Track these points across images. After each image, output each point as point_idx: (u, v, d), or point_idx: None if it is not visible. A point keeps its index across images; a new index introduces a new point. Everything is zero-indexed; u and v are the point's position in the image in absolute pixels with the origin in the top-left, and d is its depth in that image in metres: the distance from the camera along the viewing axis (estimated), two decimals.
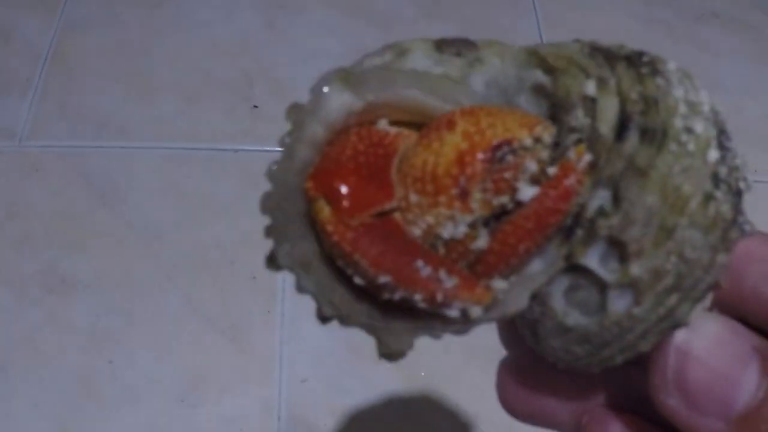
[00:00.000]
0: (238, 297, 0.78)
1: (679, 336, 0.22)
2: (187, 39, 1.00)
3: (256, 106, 0.93)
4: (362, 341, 0.25)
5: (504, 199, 0.23)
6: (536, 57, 0.25)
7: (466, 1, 1.08)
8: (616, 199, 0.22)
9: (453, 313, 0.22)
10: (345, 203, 0.23)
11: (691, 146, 0.22)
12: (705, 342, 0.22)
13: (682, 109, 0.22)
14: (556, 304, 0.23)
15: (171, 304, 0.78)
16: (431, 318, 0.23)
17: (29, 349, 0.74)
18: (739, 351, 0.22)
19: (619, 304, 0.22)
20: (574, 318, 0.23)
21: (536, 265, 0.23)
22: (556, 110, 0.24)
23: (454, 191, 0.23)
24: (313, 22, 1.04)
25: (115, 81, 0.95)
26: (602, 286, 0.22)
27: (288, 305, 0.77)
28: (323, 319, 0.23)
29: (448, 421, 0.71)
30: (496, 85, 0.26)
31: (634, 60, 0.24)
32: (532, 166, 0.23)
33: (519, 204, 0.23)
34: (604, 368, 0.24)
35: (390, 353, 0.23)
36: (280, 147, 0.24)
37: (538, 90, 0.25)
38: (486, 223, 0.23)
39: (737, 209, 0.23)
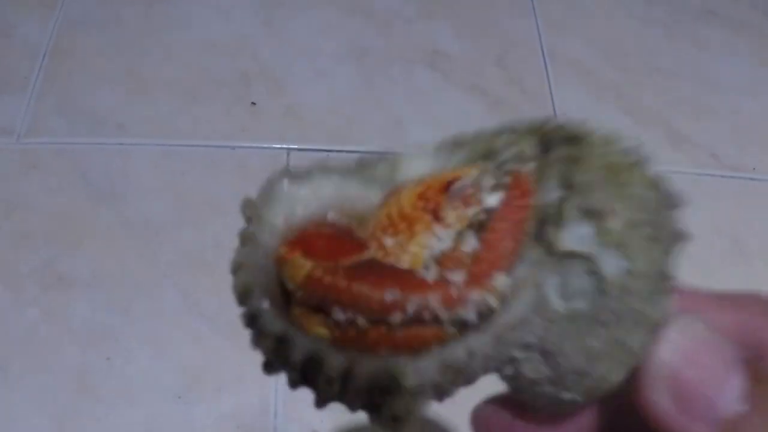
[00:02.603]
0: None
1: (671, 331, 0.23)
2: (185, 37, 1.00)
3: (254, 103, 0.93)
4: None
5: (475, 210, 0.24)
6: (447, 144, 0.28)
7: (464, 1, 1.08)
8: (568, 186, 0.23)
9: (470, 315, 0.22)
10: (324, 254, 0.23)
11: (605, 144, 0.25)
12: (693, 338, 0.22)
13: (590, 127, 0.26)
14: (556, 305, 0.24)
15: (168, 301, 0.78)
16: (440, 344, 0.23)
17: (27, 346, 0.74)
18: (724, 353, 0.22)
19: (612, 265, 0.23)
20: (577, 305, 0.23)
21: (523, 270, 0.24)
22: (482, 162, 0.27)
23: (427, 217, 0.24)
24: (311, 20, 1.04)
25: (113, 78, 0.95)
26: (590, 262, 0.23)
27: None
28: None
29: (444, 419, 0.71)
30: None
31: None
32: (488, 182, 0.25)
33: (491, 212, 0.24)
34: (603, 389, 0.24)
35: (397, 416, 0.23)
36: (240, 239, 0.25)
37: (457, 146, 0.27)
38: (474, 231, 0.25)
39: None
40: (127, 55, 0.98)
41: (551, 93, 0.98)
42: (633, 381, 0.23)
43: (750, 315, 0.25)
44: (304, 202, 0.26)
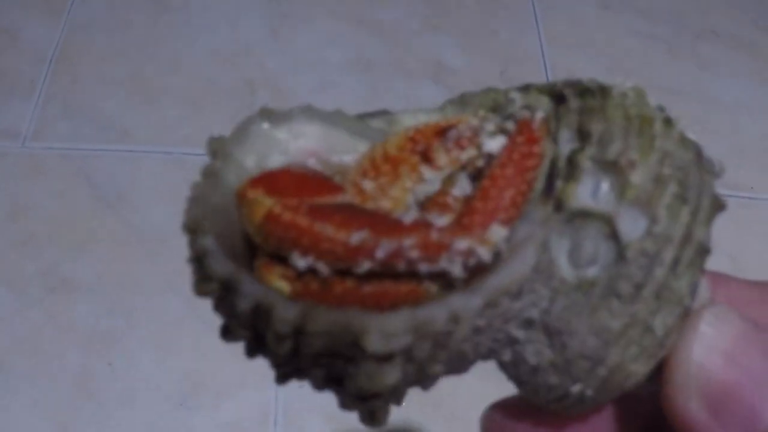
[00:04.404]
0: None
1: (704, 324, 0.19)
2: (191, 45, 1.01)
3: None
4: None
5: (471, 153, 0.21)
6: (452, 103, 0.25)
7: (469, 14, 1.09)
8: (584, 136, 0.20)
9: (456, 268, 0.18)
10: (290, 192, 0.20)
11: (630, 95, 0.22)
12: (732, 335, 0.19)
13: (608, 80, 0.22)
14: (565, 272, 0.20)
15: (171, 307, 0.78)
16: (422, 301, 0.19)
17: (29, 349, 0.74)
18: None
19: (634, 227, 0.19)
20: (590, 273, 0.20)
21: (525, 228, 0.20)
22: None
23: (414, 159, 0.21)
24: (316, 31, 1.04)
25: (119, 84, 0.96)
26: (607, 222, 0.20)
27: None
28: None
29: (445, 427, 0.72)
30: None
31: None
32: (489, 126, 0.22)
33: (490, 158, 0.21)
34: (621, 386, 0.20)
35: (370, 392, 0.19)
36: (202, 174, 0.22)
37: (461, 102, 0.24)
38: (468, 175, 0.21)
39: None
40: (134, 62, 0.99)
41: None
42: (658, 379, 0.20)
43: None
44: (282, 146, 0.22)
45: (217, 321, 0.79)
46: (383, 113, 0.23)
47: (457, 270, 0.18)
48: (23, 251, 0.81)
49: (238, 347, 0.77)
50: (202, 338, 0.76)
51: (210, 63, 0.99)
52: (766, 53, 1.10)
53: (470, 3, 1.10)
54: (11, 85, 0.94)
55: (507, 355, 0.21)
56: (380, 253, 0.18)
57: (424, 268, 0.18)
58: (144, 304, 0.78)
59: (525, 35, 1.07)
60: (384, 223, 0.19)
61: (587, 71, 1.04)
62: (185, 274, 0.80)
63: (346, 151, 0.22)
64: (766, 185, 0.95)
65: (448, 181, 0.21)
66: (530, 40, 1.07)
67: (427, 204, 0.21)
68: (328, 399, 0.76)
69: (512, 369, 0.22)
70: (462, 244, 0.18)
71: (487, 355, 0.21)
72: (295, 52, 1.02)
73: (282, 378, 0.21)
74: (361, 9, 1.07)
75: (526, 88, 0.23)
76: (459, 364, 0.21)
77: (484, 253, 0.18)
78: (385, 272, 0.19)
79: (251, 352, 0.21)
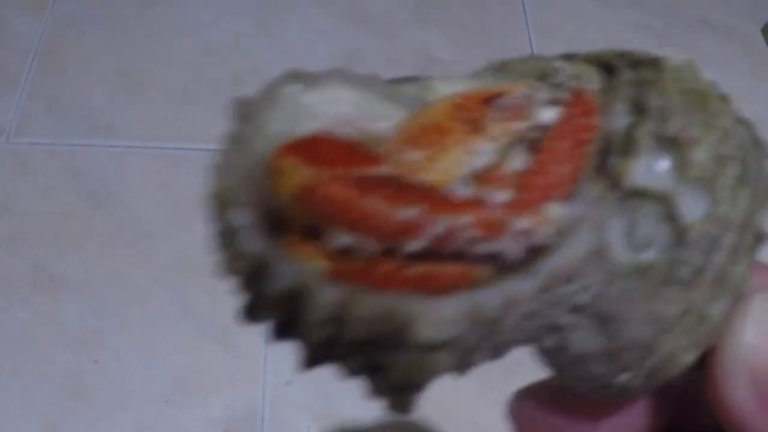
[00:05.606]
0: (227, 299, 0.78)
1: (757, 308, 0.18)
2: (178, 39, 1.00)
3: None
4: None
5: (524, 124, 0.19)
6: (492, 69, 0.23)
7: (458, 6, 1.08)
8: (641, 110, 0.19)
9: (515, 249, 0.17)
10: (330, 160, 0.18)
11: (685, 69, 0.20)
12: None
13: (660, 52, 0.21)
14: (620, 256, 0.19)
15: (160, 305, 0.77)
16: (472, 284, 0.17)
17: (17, 348, 0.73)
18: None
19: (695, 209, 0.18)
20: (647, 256, 0.19)
21: (580, 207, 0.19)
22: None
23: (465, 128, 0.19)
24: (304, 24, 1.03)
25: (105, 79, 0.95)
26: (666, 202, 0.18)
27: None
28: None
29: (436, 425, 0.71)
30: None
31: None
32: (542, 95, 0.20)
33: (545, 129, 0.19)
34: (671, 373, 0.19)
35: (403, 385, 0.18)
36: (227, 141, 0.20)
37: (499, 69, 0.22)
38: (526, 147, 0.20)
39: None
40: (120, 55, 0.98)
41: None
42: (704, 367, 0.19)
43: None
44: (312, 113, 0.20)
45: (207, 321, 0.78)
46: (415, 79, 0.21)
47: (516, 251, 0.17)
48: (9, 249, 0.80)
49: (227, 345, 0.76)
50: (191, 336, 0.76)
51: (198, 57, 0.98)
52: (759, 45, 1.10)
53: None
54: None
55: (551, 341, 0.19)
56: (436, 231, 0.17)
57: (481, 248, 0.17)
58: (132, 302, 0.77)
59: (514, 27, 1.07)
60: (437, 199, 0.17)
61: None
62: (173, 271, 0.79)
63: (381, 119, 0.20)
64: None
65: (503, 153, 0.19)
66: (519, 32, 1.06)
67: (480, 178, 0.18)
68: (316, 397, 0.76)
69: (554, 356, 0.20)
70: (524, 222, 0.17)
71: (528, 341, 0.20)
72: (283, 45, 1.01)
73: (310, 363, 0.19)
74: (349, 1, 1.06)
75: (570, 57, 0.21)
76: (499, 351, 0.19)
77: (545, 233, 0.17)
78: (435, 253, 0.17)
79: (280, 335, 0.19)
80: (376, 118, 0.20)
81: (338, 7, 1.05)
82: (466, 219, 0.17)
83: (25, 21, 0.99)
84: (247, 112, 0.20)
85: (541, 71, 0.21)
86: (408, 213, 0.17)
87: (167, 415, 0.71)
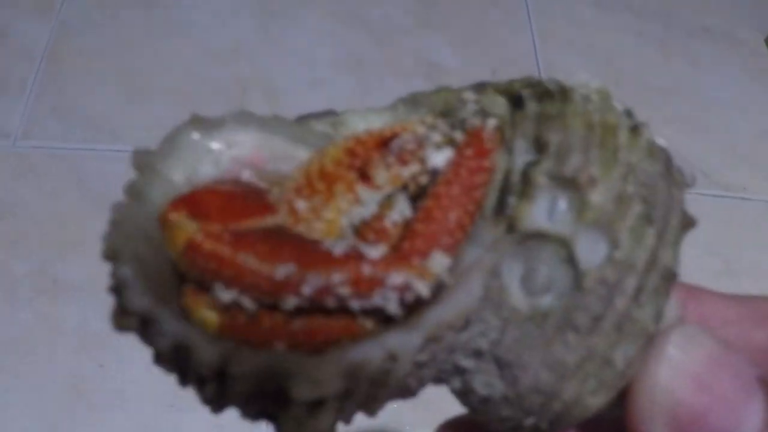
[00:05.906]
0: None
1: (671, 347, 0.17)
2: (181, 43, 1.00)
3: None
4: None
5: (414, 169, 0.19)
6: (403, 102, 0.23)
7: (460, 12, 1.09)
8: (540, 147, 0.18)
9: (391, 305, 0.17)
10: (215, 215, 0.18)
11: (594, 97, 0.19)
12: (702, 358, 0.17)
13: (570, 80, 0.20)
14: (517, 301, 0.18)
15: None
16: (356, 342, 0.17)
17: (20, 350, 0.73)
18: (742, 375, 0.17)
19: (593, 254, 0.17)
20: (544, 302, 0.18)
21: (474, 252, 0.18)
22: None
23: (351, 176, 0.19)
24: (308, 29, 1.04)
25: (109, 83, 0.95)
26: (564, 245, 0.18)
27: None
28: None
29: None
30: None
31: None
32: (436, 136, 0.19)
33: (435, 174, 0.19)
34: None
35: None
36: (125, 192, 0.20)
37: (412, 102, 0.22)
38: (409, 195, 0.19)
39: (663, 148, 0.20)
40: (124, 60, 0.98)
41: None
42: (621, 407, 0.18)
43: None
44: (214, 157, 0.20)
45: None
46: (329, 114, 0.21)
47: (392, 307, 0.17)
48: (12, 252, 0.80)
49: None
50: None
51: (200, 61, 0.99)
52: (759, 51, 1.10)
53: (463, 0, 1.10)
54: (1, 84, 0.94)
55: (456, 384, 0.19)
56: (307, 289, 0.16)
57: (355, 304, 0.17)
58: None
59: (518, 33, 1.07)
60: (312, 255, 0.17)
61: (580, 70, 1.03)
62: None
63: (284, 160, 0.20)
64: (758, 186, 0.95)
65: (387, 202, 0.19)
66: (523, 39, 1.07)
67: (362, 229, 0.19)
68: None
69: (463, 397, 0.20)
70: (397, 278, 0.16)
71: (434, 381, 0.19)
72: (286, 50, 1.01)
73: (213, 409, 0.20)
74: (352, 7, 1.06)
75: (482, 87, 0.21)
76: (404, 394, 0.19)
77: (423, 288, 0.17)
78: (320, 307, 0.17)
79: (182, 384, 0.19)
80: (280, 159, 0.20)
81: (341, 13, 1.06)
82: (340, 276, 0.16)
83: (31, 27, 1.00)
84: (145, 163, 0.20)
85: (447, 104, 0.21)
86: (281, 271, 0.16)
87: (170, 419, 0.71)
